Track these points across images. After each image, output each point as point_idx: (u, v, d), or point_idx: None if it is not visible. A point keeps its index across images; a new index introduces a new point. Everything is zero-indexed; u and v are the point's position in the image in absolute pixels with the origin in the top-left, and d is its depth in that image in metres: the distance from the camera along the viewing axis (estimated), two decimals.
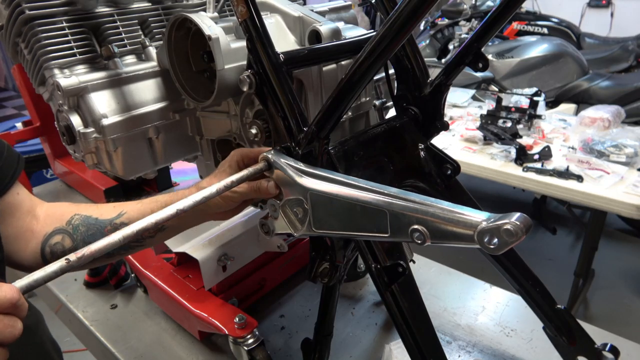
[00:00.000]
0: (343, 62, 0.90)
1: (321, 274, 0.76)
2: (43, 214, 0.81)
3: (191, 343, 1.11)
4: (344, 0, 1.10)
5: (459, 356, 1.05)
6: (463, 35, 3.44)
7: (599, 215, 2.23)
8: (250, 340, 0.94)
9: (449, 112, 2.82)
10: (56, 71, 0.89)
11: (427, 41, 3.79)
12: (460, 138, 2.52)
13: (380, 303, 1.23)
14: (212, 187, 0.65)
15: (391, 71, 0.92)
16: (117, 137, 0.90)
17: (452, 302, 1.22)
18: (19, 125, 2.18)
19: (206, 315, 1.00)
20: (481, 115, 2.50)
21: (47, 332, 0.89)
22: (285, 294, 1.27)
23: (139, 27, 1.00)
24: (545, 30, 4.04)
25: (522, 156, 2.19)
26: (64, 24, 0.90)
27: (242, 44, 0.76)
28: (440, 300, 1.23)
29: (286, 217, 0.73)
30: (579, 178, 2.03)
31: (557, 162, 2.19)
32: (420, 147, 0.87)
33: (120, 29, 0.97)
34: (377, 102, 0.99)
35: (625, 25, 4.74)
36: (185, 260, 1.15)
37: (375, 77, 0.99)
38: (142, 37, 1.00)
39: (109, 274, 1.32)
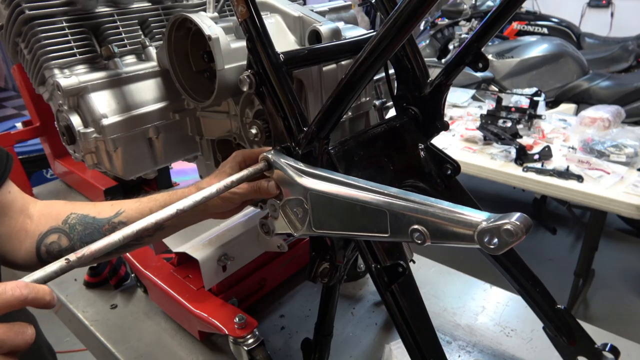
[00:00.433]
0: (343, 62, 0.90)
1: (321, 274, 0.76)
2: (37, 212, 0.80)
3: (191, 343, 1.11)
4: (344, 0, 1.10)
5: (459, 356, 1.05)
6: (463, 35, 3.44)
7: (599, 215, 2.23)
8: (250, 340, 0.95)
9: (449, 112, 2.82)
10: (56, 71, 0.89)
11: (427, 41, 3.79)
12: (460, 138, 2.52)
13: (380, 303, 1.23)
14: (212, 187, 0.65)
15: (391, 71, 0.92)
16: (117, 137, 0.90)
17: (452, 302, 1.22)
18: (19, 125, 2.18)
19: (206, 315, 1.00)
20: (481, 115, 2.50)
21: (42, 336, 0.89)
22: (285, 294, 1.27)
23: (139, 27, 1.00)
24: (545, 30, 4.04)
25: (522, 156, 2.18)
26: (64, 24, 0.90)
27: (242, 44, 0.76)
28: (440, 300, 1.23)
29: (286, 217, 0.73)
30: (579, 178, 2.03)
31: (557, 162, 2.19)
32: (420, 147, 0.87)
33: (120, 29, 0.97)
34: (377, 102, 0.99)
35: (625, 25, 4.74)
36: (185, 260, 1.15)
37: (375, 77, 0.99)
38: (142, 37, 1.00)
39: (109, 274, 1.32)
